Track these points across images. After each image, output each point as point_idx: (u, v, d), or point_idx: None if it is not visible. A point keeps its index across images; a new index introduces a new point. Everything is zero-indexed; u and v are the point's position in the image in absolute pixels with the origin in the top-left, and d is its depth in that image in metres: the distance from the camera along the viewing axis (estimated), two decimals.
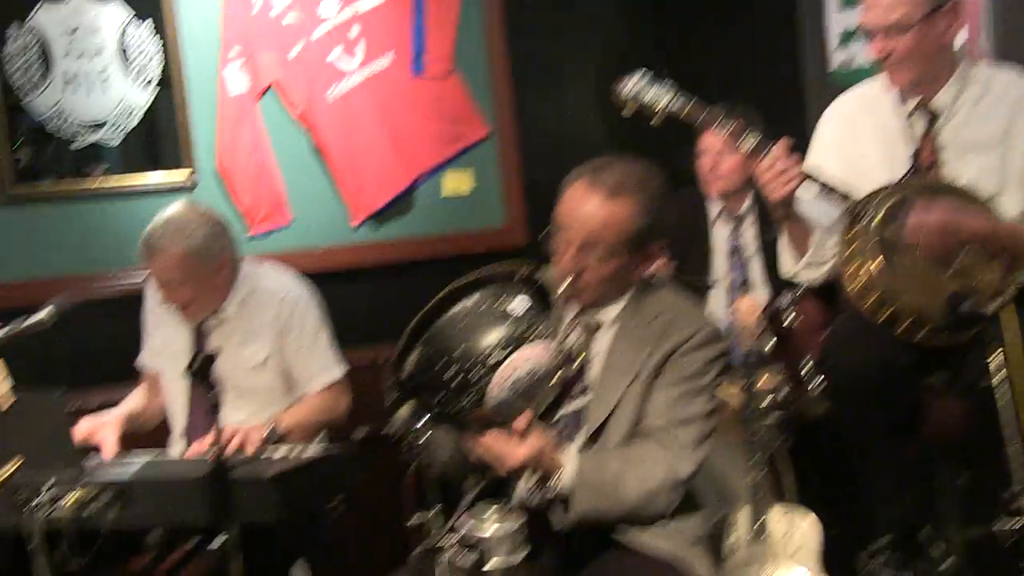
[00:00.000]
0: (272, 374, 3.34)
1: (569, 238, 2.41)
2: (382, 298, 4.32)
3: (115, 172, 4.01)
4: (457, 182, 4.53)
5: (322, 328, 3.41)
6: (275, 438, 3.12)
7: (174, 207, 3.26)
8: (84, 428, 3.12)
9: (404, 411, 2.06)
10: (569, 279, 2.39)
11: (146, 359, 3.54)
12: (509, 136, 4.62)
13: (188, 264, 3.17)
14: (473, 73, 4.54)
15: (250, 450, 2.95)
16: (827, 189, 2.95)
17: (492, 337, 1.97)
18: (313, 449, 2.96)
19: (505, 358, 1.96)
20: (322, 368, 3.39)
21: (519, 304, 2.04)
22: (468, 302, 2.01)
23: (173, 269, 3.18)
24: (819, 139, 3.28)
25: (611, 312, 2.56)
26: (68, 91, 3.91)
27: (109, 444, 3.14)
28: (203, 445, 3.01)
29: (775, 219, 3.13)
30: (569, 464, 2.29)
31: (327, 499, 3.23)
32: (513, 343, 1.97)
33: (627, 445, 2.44)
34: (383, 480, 3.31)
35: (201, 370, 2.25)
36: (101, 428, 3.19)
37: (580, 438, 2.47)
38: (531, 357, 1.99)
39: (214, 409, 2.32)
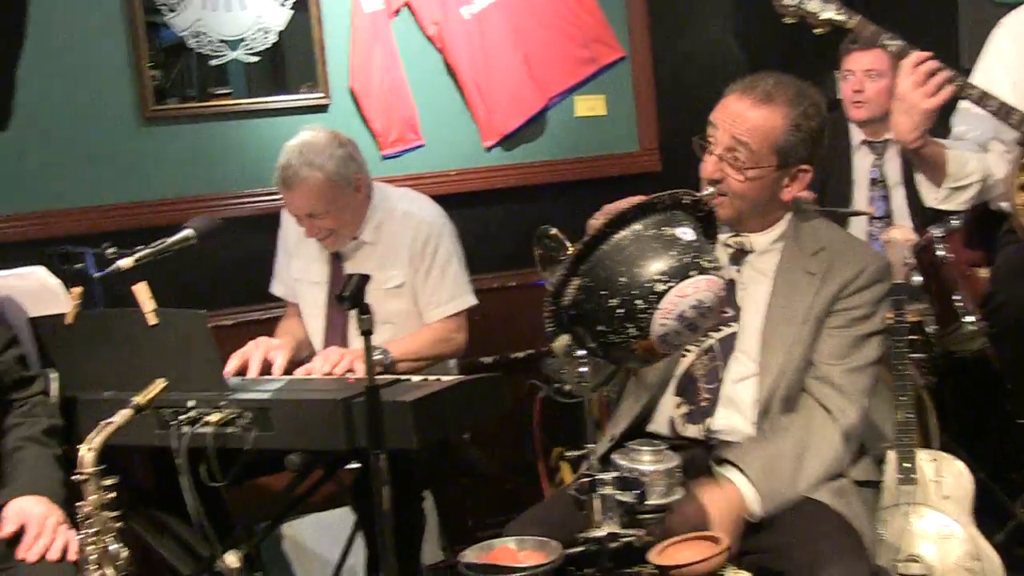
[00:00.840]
0: (406, 299, 3.32)
1: (716, 139, 2.39)
2: (513, 221, 4.27)
3: (251, 92, 4.01)
4: (591, 105, 4.43)
5: (454, 256, 3.38)
6: (387, 362, 3.09)
7: (302, 135, 3.25)
8: (249, 350, 3.13)
9: (562, 341, 1.99)
10: (713, 185, 2.37)
11: (280, 287, 3.55)
12: (643, 59, 4.51)
13: (328, 191, 3.16)
14: None
15: (361, 373, 2.93)
16: (1002, 107, 2.80)
17: (658, 265, 1.89)
18: (448, 376, 2.92)
19: (672, 288, 1.88)
20: (449, 297, 3.35)
21: (686, 231, 1.95)
22: (633, 228, 1.92)
23: (314, 199, 3.17)
24: (990, 54, 3.11)
25: (765, 239, 2.50)
26: (207, 9, 3.89)
27: (278, 368, 3.15)
28: (320, 365, 3.01)
29: (909, 146, 2.98)
30: (750, 495, 2.25)
31: (462, 428, 3.22)
32: (680, 272, 1.89)
33: (796, 404, 2.40)
34: (511, 412, 3.28)
35: (354, 293, 2.20)
36: (273, 349, 3.19)
37: (751, 390, 2.42)
38: (698, 287, 1.90)
39: (366, 334, 2.28)
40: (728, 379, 2.46)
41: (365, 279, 2.26)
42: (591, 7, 4.38)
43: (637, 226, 1.93)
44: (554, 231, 2.00)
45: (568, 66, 4.37)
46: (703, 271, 1.92)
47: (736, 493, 2.21)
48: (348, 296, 2.22)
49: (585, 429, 2.09)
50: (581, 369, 1.99)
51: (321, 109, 4.03)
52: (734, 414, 2.45)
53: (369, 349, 2.29)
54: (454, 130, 4.23)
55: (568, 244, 1.96)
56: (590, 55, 4.40)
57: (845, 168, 3.97)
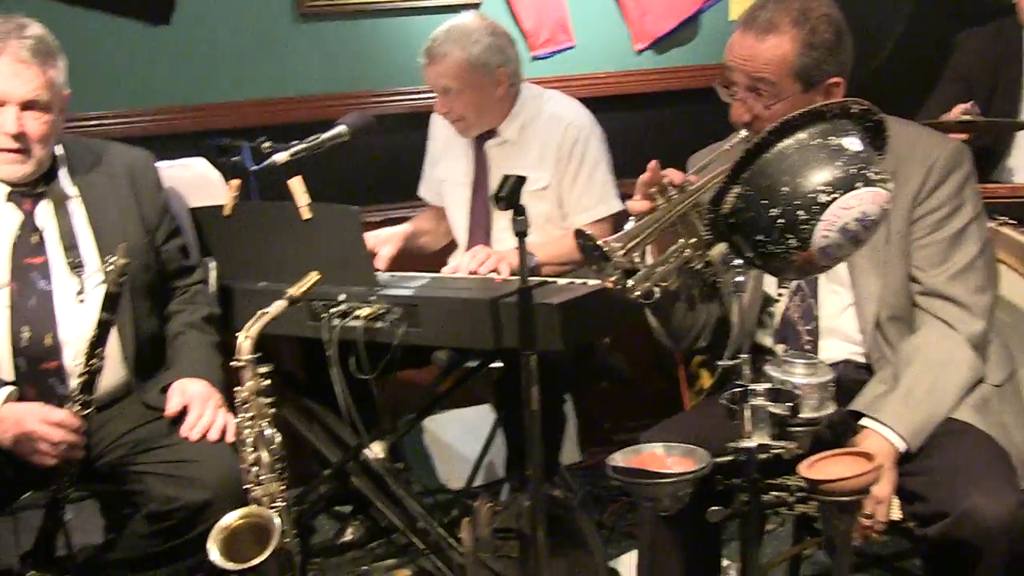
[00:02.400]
0: (547, 202, 3.32)
1: (737, 80, 2.32)
2: (663, 126, 4.20)
3: None
4: (745, 5, 4.30)
5: (602, 160, 3.35)
6: (531, 267, 3.10)
7: (460, 16, 3.27)
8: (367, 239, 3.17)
9: (718, 250, 1.97)
10: (747, 128, 2.30)
11: (426, 190, 3.58)
12: None
13: (467, 72, 3.18)
14: None
15: (506, 274, 2.96)
16: None
17: (823, 176, 1.83)
18: (595, 280, 2.92)
19: (836, 199, 1.82)
20: (597, 201, 3.33)
21: (853, 141, 1.89)
22: (798, 137, 1.87)
23: (452, 76, 3.19)
24: None
25: None
26: None
27: (383, 259, 3.21)
28: (469, 263, 3.04)
29: None
30: (894, 439, 2.18)
31: (605, 332, 3.22)
32: (845, 184, 1.83)
33: (908, 323, 2.33)
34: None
35: (510, 194, 2.21)
36: (381, 242, 3.25)
37: (852, 320, 2.36)
38: (864, 199, 1.84)
39: (521, 235, 2.29)
40: (824, 314, 2.39)
41: (521, 180, 2.26)
42: None
43: (802, 135, 1.87)
44: (587, 232, 1.98)
45: None
46: (869, 183, 1.85)
47: (878, 437, 2.17)
48: (503, 197, 2.22)
49: (730, 338, 2.07)
50: (738, 279, 1.96)
51: (473, 6, 4.00)
52: (841, 343, 2.39)
53: (523, 250, 2.30)
54: (605, 32, 4.17)
55: (599, 242, 1.93)
56: None
57: (1015, 77, 3.79)
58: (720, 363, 2.06)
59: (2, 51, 2.55)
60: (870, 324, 2.34)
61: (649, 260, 2.03)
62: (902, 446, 2.15)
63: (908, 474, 2.17)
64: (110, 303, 2.50)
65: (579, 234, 2.00)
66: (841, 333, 2.39)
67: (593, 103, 3.52)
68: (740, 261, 1.95)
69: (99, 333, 2.50)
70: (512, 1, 4.04)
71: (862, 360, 2.38)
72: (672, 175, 2.07)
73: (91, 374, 2.50)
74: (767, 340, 2.46)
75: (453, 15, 3.80)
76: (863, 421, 2.19)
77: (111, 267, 2.48)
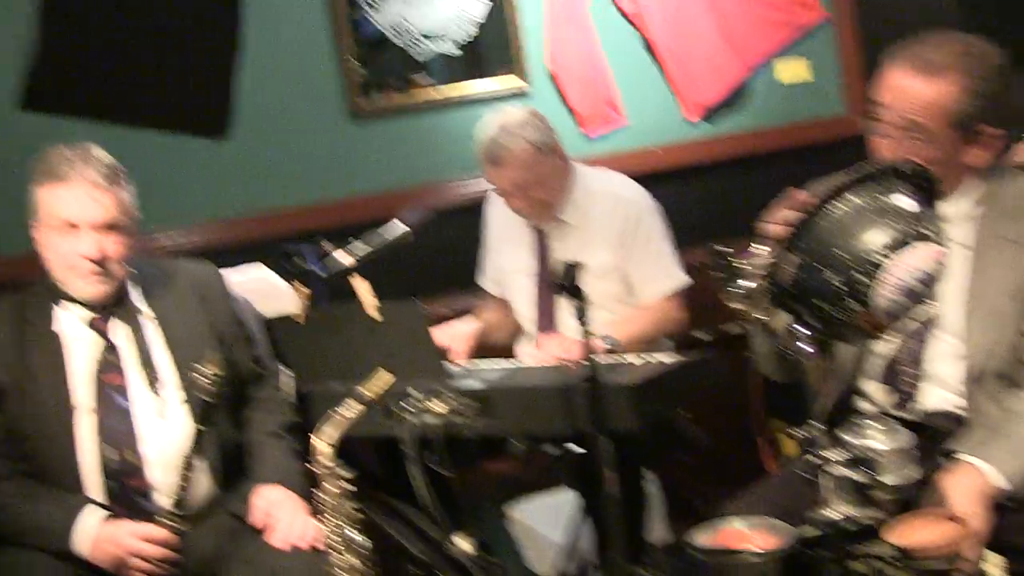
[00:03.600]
0: (612, 281, 3.32)
1: (889, 119, 2.23)
2: (720, 195, 4.21)
3: (453, 81, 4.07)
4: (794, 70, 4.33)
5: (662, 235, 3.36)
6: (614, 347, 3.10)
7: (498, 114, 3.30)
8: (438, 334, 3.19)
9: (781, 319, 1.96)
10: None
11: (488, 281, 3.61)
12: (847, 20, 4.37)
13: (535, 159, 3.22)
14: None
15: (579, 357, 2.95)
16: None
17: (879, 237, 1.83)
18: (667, 356, 2.92)
19: (894, 260, 1.81)
20: (664, 277, 3.34)
21: (906, 200, 1.88)
22: (850, 199, 1.87)
23: (524, 169, 3.22)
24: None
25: (956, 208, 2.31)
26: (408, 4, 3.98)
27: (457, 354, 3.23)
28: (545, 353, 3.04)
29: None
30: (993, 473, 2.13)
31: (680, 407, 3.20)
32: (902, 243, 1.82)
33: (1014, 378, 2.26)
34: (726, 388, 3.23)
35: (568, 279, 2.23)
36: (454, 339, 3.28)
37: (957, 369, 2.30)
38: (922, 257, 1.83)
39: (582, 318, 2.30)
40: (931, 359, 2.34)
41: (577, 267, 2.28)
42: None
43: (854, 197, 1.87)
44: (723, 249, 1.97)
45: (768, 31, 4.28)
46: (926, 240, 1.85)
47: (976, 472, 2.12)
48: (565, 285, 2.24)
49: (807, 404, 2.06)
50: (801, 346, 1.95)
51: (522, 94, 4.07)
52: (942, 393, 2.33)
53: (586, 336, 2.31)
54: (656, 106, 4.21)
55: (732, 258, 1.93)
56: (790, 18, 4.29)
57: None
58: (797, 432, 2.04)
59: (75, 177, 2.64)
60: (976, 377, 2.27)
61: None
62: (1001, 483, 2.10)
63: (1017, 530, 2.10)
64: (204, 414, 2.56)
65: (714, 250, 1.98)
66: (944, 382, 2.34)
67: (650, 176, 3.54)
68: (804, 330, 1.94)
69: (194, 445, 2.55)
70: (561, 85, 4.09)
71: (960, 413, 2.32)
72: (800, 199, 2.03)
73: (184, 487, 2.55)
74: (869, 385, 2.41)
75: (501, 104, 3.89)
76: (961, 456, 2.14)
77: (205, 378, 2.55)
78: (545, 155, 3.24)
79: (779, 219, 1.99)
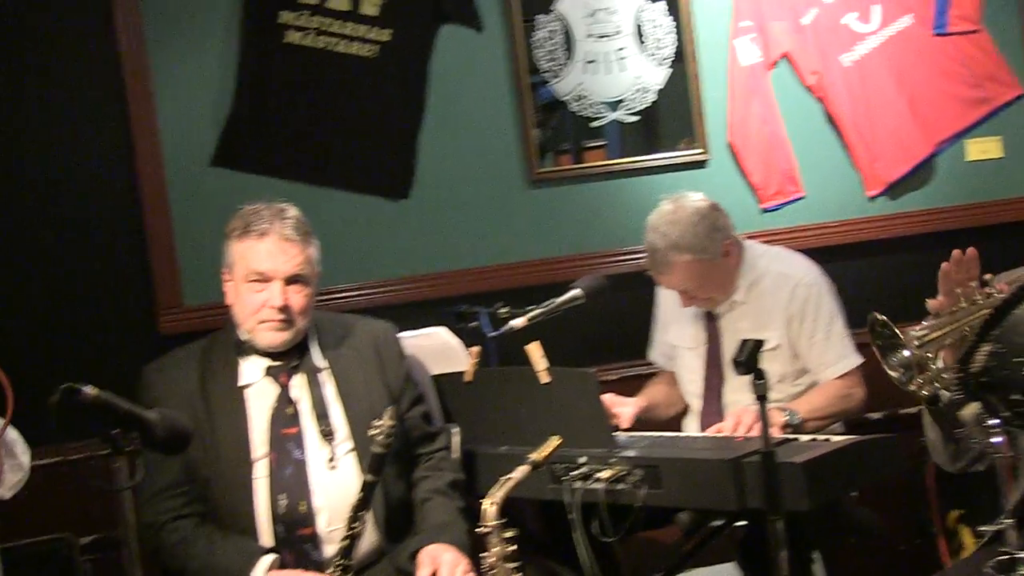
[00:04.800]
0: (782, 360, 3.26)
1: None
2: (899, 273, 4.10)
3: (624, 149, 4.09)
4: (984, 148, 4.20)
5: (836, 315, 3.29)
6: (795, 423, 3.05)
7: (663, 211, 3.26)
8: (605, 402, 3.19)
9: (971, 409, 1.90)
10: None
11: (658, 355, 3.59)
12: None
13: (697, 268, 3.20)
14: (1002, 28, 4.18)
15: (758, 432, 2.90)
16: None
17: None
18: (838, 436, 2.85)
19: None
20: (838, 357, 3.26)
21: None
22: None
23: (685, 279, 3.21)
24: None
25: None
26: (588, 72, 4.03)
27: (624, 423, 3.21)
28: (728, 425, 3.00)
29: None
30: None
31: (852, 488, 3.12)
32: None
33: None
34: (901, 473, 3.12)
35: (749, 359, 2.21)
36: (621, 407, 3.26)
37: None
38: None
39: (761, 398, 2.27)
40: None
41: (759, 344, 2.26)
42: (984, 44, 4.15)
43: None
44: (882, 318, 1.91)
45: (958, 108, 4.16)
46: None
47: None
48: (743, 361, 2.22)
49: (997, 498, 1.98)
50: (993, 440, 1.88)
51: (700, 165, 4.06)
52: None
53: (764, 414, 2.28)
54: (835, 180, 4.13)
55: (898, 330, 1.87)
56: (983, 95, 4.17)
57: None
58: (984, 529, 1.96)
59: (269, 232, 2.78)
60: None
61: (940, 364, 1.94)
62: None
63: None
64: (377, 465, 2.62)
65: (874, 319, 1.94)
66: None
67: (826, 252, 3.48)
68: (995, 421, 1.87)
69: (364, 495, 2.62)
70: (740, 156, 4.07)
71: None
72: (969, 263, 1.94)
73: (352, 537, 2.60)
74: None
75: (679, 174, 3.90)
76: None
77: (379, 429, 2.61)
78: (708, 262, 3.19)
79: (943, 288, 1.95)
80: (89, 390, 2.13)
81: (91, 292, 3.76)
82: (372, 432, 2.65)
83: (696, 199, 3.29)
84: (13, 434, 2.32)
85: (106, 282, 3.77)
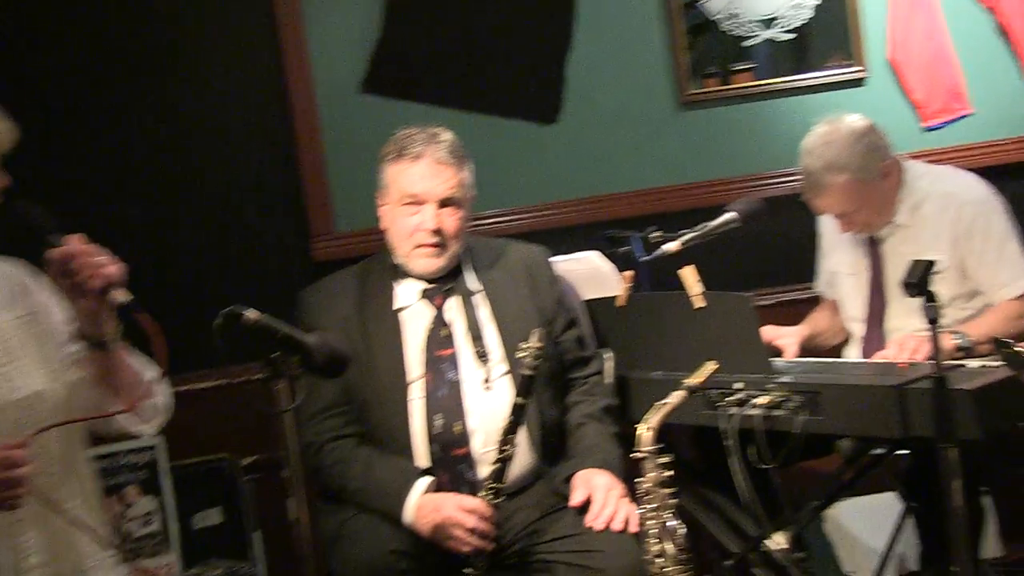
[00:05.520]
0: (951, 282, 3.13)
1: None
2: None
3: (775, 70, 3.97)
4: None
5: (1010, 233, 3.15)
6: (966, 346, 2.93)
7: (819, 132, 3.15)
8: (767, 334, 3.12)
9: None
10: None
11: (822, 283, 3.50)
12: None
13: (854, 190, 3.09)
14: None
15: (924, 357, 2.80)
16: None
17: None
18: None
19: None
20: (1012, 277, 3.12)
21: None
22: None
23: (843, 200, 3.11)
24: None
25: None
26: None
27: (789, 355, 3.14)
28: (895, 351, 2.91)
29: None
30: None
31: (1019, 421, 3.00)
32: None
33: None
34: None
35: (921, 280, 2.12)
36: (783, 336, 3.19)
37: None
38: None
39: (933, 321, 2.18)
40: None
41: (931, 265, 2.16)
42: None
43: None
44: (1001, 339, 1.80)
45: None
46: None
47: None
48: (914, 283, 2.14)
49: None
50: None
51: (856, 83, 3.92)
52: None
53: (937, 337, 2.19)
54: (1006, 96, 3.95)
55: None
56: None
57: None
58: None
59: (422, 155, 2.80)
60: None
61: None
62: None
63: None
64: (525, 387, 2.62)
65: (998, 342, 1.86)
66: None
67: (994, 172, 3.33)
68: None
69: (514, 418, 2.62)
70: (901, 73, 3.91)
71: None
72: None
73: (504, 460, 2.62)
74: None
75: (834, 93, 3.77)
76: None
77: (527, 351, 2.61)
78: (865, 182, 3.08)
79: None
80: (251, 313, 2.17)
81: (247, 221, 3.84)
82: (520, 354, 2.66)
83: (853, 120, 3.16)
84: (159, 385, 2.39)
85: (261, 210, 3.84)
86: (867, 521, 3.68)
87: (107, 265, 2.11)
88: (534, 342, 2.63)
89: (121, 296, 2.11)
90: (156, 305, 2.38)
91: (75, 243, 2.10)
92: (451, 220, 2.81)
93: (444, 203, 2.80)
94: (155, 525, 3.36)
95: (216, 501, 3.45)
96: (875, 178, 3.10)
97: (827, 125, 3.16)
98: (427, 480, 2.70)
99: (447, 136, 2.85)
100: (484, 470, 2.69)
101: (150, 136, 3.76)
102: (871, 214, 3.16)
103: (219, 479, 3.48)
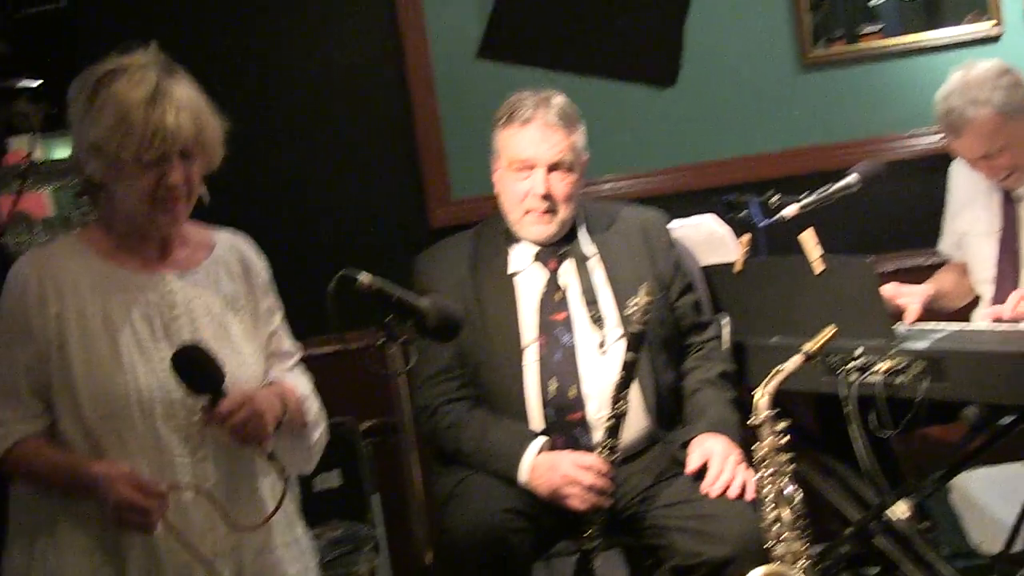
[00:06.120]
0: None
1: None
2: None
3: (904, 28, 3.85)
4: None
5: None
6: None
7: (956, 75, 3.05)
8: (888, 292, 3.04)
9: None
10: None
11: (947, 245, 3.39)
12: None
13: (999, 125, 2.97)
14: None
15: None
16: None
17: None
18: None
19: None
20: None
21: None
22: None
23: (986, 138, 2.98)
24: None
25: None
26: None
27: (911, 313, 3.06)
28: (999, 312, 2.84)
29: None
30: None
31: None
32: None
33: None
34: None
35: None
36: (906, 295, 3.12)
37: None
38: None
39: None
40: None
41: None
42: None
43: None
44: None
45: None
46: None
47: None
48: None
49: None
50: None
51: (991, 40, 3.78)
52: None
53: None
54: None
55: None
56: None
57: None
58: None
59: (532, 119, 2.79)
60: None
61: None
62: None
63: None
64: (635, 343, 2.62)
65: None
66: None
67: None
68: None
69: (625, 375, 2.61)
70: None
71: None
72: None
73: (617, 418, 2.61)
74: None
75: (966, 51, 3.64)
76: None
77: (635, 307, 2.61)
78: (1010, 118, 2.96)
79: None
80: (363, 277, 2.20)
81: (364, 188, 3.87)
82: (628, 311, 2.65)
83: (991, 61, 3.07)
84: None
85: (378, 177, 3.87)
86: (997, 492, 3.58)
87: (260, 433, 2.16)
88: (642, 296, 2.61)
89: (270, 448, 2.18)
90: (277, 272, 2.45)
91: (233, 403, 2.12)
92: (561, 184, 2.80)
93: (554, 167, 2.79)
94: None
95: (336, 464, 3.50)
96: (1019, 114, 2.99)
97: (962, 69, 3.06)
98: (542, 440, 2.70)
99: (558, 99, 2.84)
100: (599, 435, 2.68)
101: (267, 105, 3.81)
102: (1017, 155, 3.04)
103: (338, 442, 3.52)
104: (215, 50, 3.77)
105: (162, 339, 2.19)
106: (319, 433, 2.39)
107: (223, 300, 2.30)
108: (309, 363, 2.58)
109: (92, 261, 2.20)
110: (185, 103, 2.15)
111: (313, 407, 2.38)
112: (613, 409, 2.61)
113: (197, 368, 2.11)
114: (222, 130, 2.24)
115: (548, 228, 2.82)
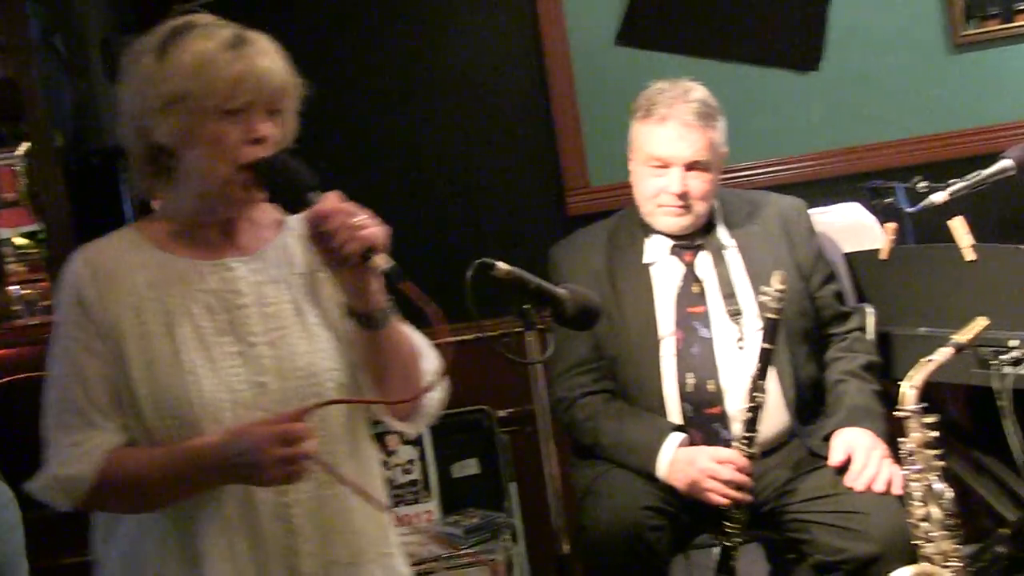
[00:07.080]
0: None
1: None
2: None
3: None
4: None
5: None
6: None
7: None
8: None
9: None
10: None
11: None
12: None
13: None
14: None
15: None
16: None
17: None
18: None
19: None
20: None
21: None
22: None
23: None
24: None
25: None
26: None
27: None
28: None
29: None
30: None
31: None
32: None
33: None
34: None
35: None
36: None
37: None
38: None
39: None
40: None
41: None
42: None
43: None
44: None
45: None
46: None
47: None
48: None
49: None
50: None
51: None
52: None
53: None
54: None
55: None
56: None
57: None
58: None
59: (670, 116, 2.73)
60: None
61: None
62: None
63: None
64: (770, 330, 2.57)
65: None
66: None
67: None
68: None
69: (762, 365, 2.57)
70: None
71: None
72: None
73: (755, 409, 2.57)
74: None
75: None
76: None
77: (769, 294, 2.56)
78: None
79: None
80: (501, 265, 2.19)
81: (502, 176, 3.88)
82: (762, 298, 2.60)
83: None
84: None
85: (516, 165, 3.88)
86: None
87: (367, 226, 1.81)
88: (776, 283, 2.56)
89: (382, 262, 1.80)
90: (413, 260, 2.45)
91: (332, 201, 1.83)
92: (698, 183, 2.74)
93: (691, 166, 2.73)
94: (415, 473, 3.48)
95: (474, 452, 3.54)
96: None
97: None
98: (680, 435, 2.67)
99: (697, 94, 2.77)
100: (737, 427, 2.64)
101: (407, 93, 3.84)
102: None
103: (476, 430, 3.56)
104: (366, 39, 3.82)
105: (227, 333, 1.90)
106: (436, 392, 2.07)
107: (298, 281, 1.99)
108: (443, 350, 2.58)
109: (148, 252, 1.93)
110: (272, 52, 1.89)
111: (431, 362, 2.09)
112: (750, 400, 2.57)
113: (282, 177, 1.86)
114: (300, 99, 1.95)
115: (681, 220, 2.78)
